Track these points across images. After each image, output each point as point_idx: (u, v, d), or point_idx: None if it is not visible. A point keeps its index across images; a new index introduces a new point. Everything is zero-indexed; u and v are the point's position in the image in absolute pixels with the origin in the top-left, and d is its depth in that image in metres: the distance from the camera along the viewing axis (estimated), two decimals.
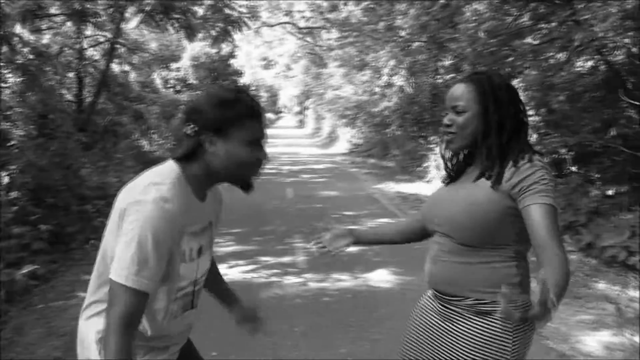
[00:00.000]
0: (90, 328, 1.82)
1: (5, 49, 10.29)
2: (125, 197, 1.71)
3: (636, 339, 4.66)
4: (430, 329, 2.12)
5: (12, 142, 11.53)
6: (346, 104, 24.89)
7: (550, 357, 4.39)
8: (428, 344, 2.11)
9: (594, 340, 4.68)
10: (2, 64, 10.50)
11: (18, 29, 11.68)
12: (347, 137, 27.13)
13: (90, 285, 1.85)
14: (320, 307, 5.43)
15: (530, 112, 10.88)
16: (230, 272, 6.31)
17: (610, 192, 8.07)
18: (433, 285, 2.11)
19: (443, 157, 2.20)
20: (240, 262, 6.88)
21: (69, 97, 14.29)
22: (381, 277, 6.36)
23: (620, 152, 8.38)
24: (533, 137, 10.87)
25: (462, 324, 1.99)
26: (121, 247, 1.63)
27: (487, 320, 1.94)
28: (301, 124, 58.91)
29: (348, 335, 4.67)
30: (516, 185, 1.88)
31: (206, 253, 1.93)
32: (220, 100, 1.75)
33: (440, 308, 2.09)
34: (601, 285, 6.05)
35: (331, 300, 5.57)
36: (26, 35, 12.09)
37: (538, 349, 4.51)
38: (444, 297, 2.06)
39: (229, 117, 1.74)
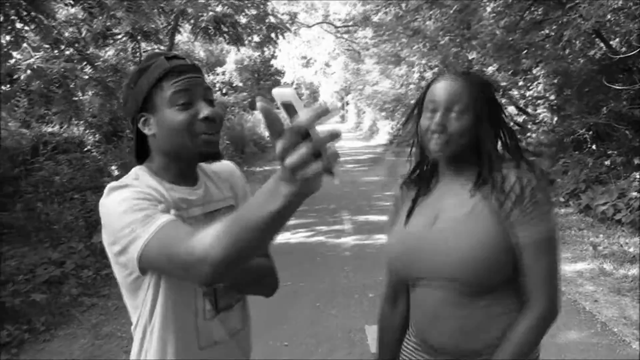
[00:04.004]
0: None
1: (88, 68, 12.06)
2: None
3: (605, 266, 6.19)
4: None
5: (88, 147, 13.37)
6: (385, 98, 25.90)
7: None
8: None
9: (570, 269, 6.22)
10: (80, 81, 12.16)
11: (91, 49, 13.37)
12: (387, 129, 28.29)
13: None
14: (363, 255, 7.17)
15: (551, 97, 12.24)
16: (294, 237, 8.21)
17: (607, 163, 9.48)
18: (437, 349, 1.74)
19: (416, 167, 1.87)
20: (301, 230, 8.71)
21: None
22: None
23: (617, 129, 9.79)
24: (554, 120, 12.26)
25: None
26: None
27: None
28: (343, 119, 60.21)
29: (384, 269, 6.31)
30: (514, 206, 1.60)
31: None
32: (132, 77, 1.53)
33: None
34: (590, 236, 7.52)
35: (373, 252, 7.25)
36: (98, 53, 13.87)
37: None
38: (452, 358, 1.73)
39: (143, 88, 1.48)
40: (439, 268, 1.65)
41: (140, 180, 1.48)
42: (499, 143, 1.73)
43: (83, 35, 12.78)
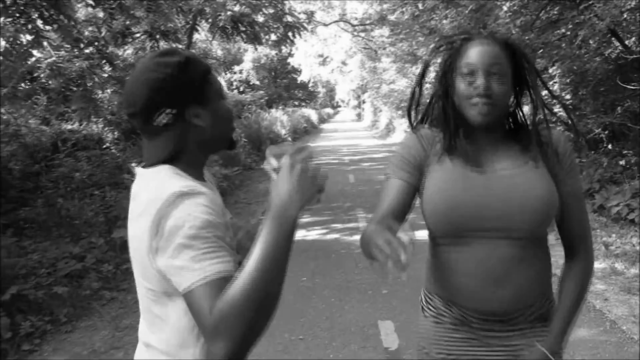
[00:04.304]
0: None
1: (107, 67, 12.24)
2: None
3: (616, 265, 6.25)
4: None
5: (107, 145, 13.55)
6: (401, 96, 25.89)
7: None
8: None
9: None
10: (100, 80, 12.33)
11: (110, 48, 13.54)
12: (403, 128, 28.24)
13: None
14: None
15: (567, 97, 12.26)
16: (309, 235, 8.38)
17: (621, 163, 9.52)
18: (497, 311, 1.71)
19: (451, 129, 1.75)
20: (317, 227, 8.88)
21: None
22: (425, 234, 8.13)
23: (632, 129, 9.82)
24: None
25: (530, 338, 1.75)
26: None
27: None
28: (359, 117, 60.22)
29: None
30: (560, 161, 1.72)
31: None
32: (181, 64, 1.42)
33: (497, 339, 1.75)
34: (602, 236, 7.56)
35: None
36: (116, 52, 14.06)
37: None
38: (504, 319, 1.73)
39: (199, 78, 1.45)
40: (512, 219, 1.64)
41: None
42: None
43: (103, 34, 12.95)
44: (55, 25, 8.80)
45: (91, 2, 9.82)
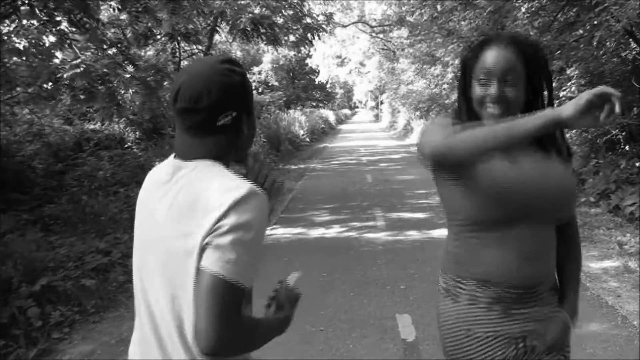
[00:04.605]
0: None
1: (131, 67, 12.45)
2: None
3: (630, 264, 6.35)
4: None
5: (128, 144, 13.79)
6: (419, 97, 25.96)
7: None
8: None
9: (596, 266, 6.39)
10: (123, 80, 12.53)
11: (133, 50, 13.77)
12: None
13: None
14: (395, 250, 7.44)
15: None
16: (328, 232, 8.53)
17: (638, 164, 9.59)
18: (530, 284, 1.82)
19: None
20: (335, 225, 9.03)
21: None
22: (443, 233, 8.22)
23: None
24: None
25: (548, 306, 1.88)
26: None
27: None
28: (377, 118, 60.25)
29: (416, 263, 6.63)
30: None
31: None
32: (245, 75, 1.54)
33: (526, 310, 1.84)
34: (617, 235, 7.65)
35: (404, 247, 7.53)
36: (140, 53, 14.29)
37: None
38: (533, 291, 1.84)
39: (251, 89, 1.58)
40: (559, 205, 1.79)
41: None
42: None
43: (127, 36, 13.19)
44: (83, 29, 9.02)
45: (117, 5, 10.04)
